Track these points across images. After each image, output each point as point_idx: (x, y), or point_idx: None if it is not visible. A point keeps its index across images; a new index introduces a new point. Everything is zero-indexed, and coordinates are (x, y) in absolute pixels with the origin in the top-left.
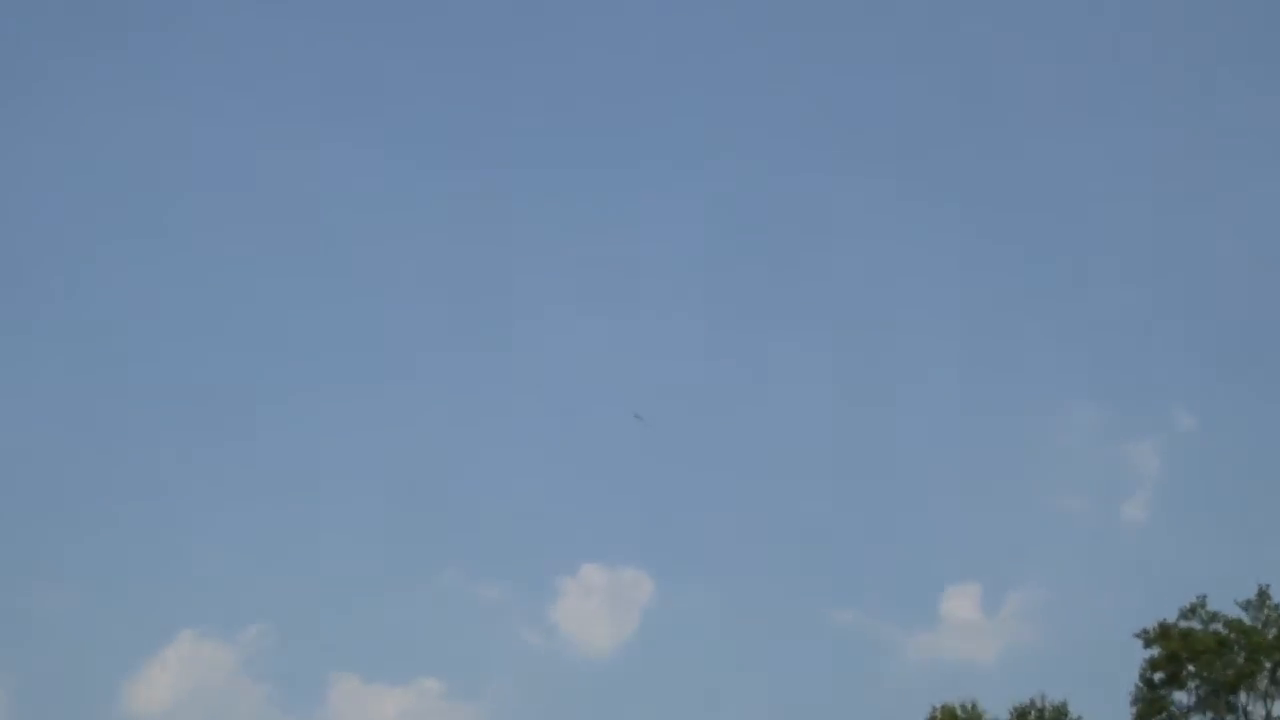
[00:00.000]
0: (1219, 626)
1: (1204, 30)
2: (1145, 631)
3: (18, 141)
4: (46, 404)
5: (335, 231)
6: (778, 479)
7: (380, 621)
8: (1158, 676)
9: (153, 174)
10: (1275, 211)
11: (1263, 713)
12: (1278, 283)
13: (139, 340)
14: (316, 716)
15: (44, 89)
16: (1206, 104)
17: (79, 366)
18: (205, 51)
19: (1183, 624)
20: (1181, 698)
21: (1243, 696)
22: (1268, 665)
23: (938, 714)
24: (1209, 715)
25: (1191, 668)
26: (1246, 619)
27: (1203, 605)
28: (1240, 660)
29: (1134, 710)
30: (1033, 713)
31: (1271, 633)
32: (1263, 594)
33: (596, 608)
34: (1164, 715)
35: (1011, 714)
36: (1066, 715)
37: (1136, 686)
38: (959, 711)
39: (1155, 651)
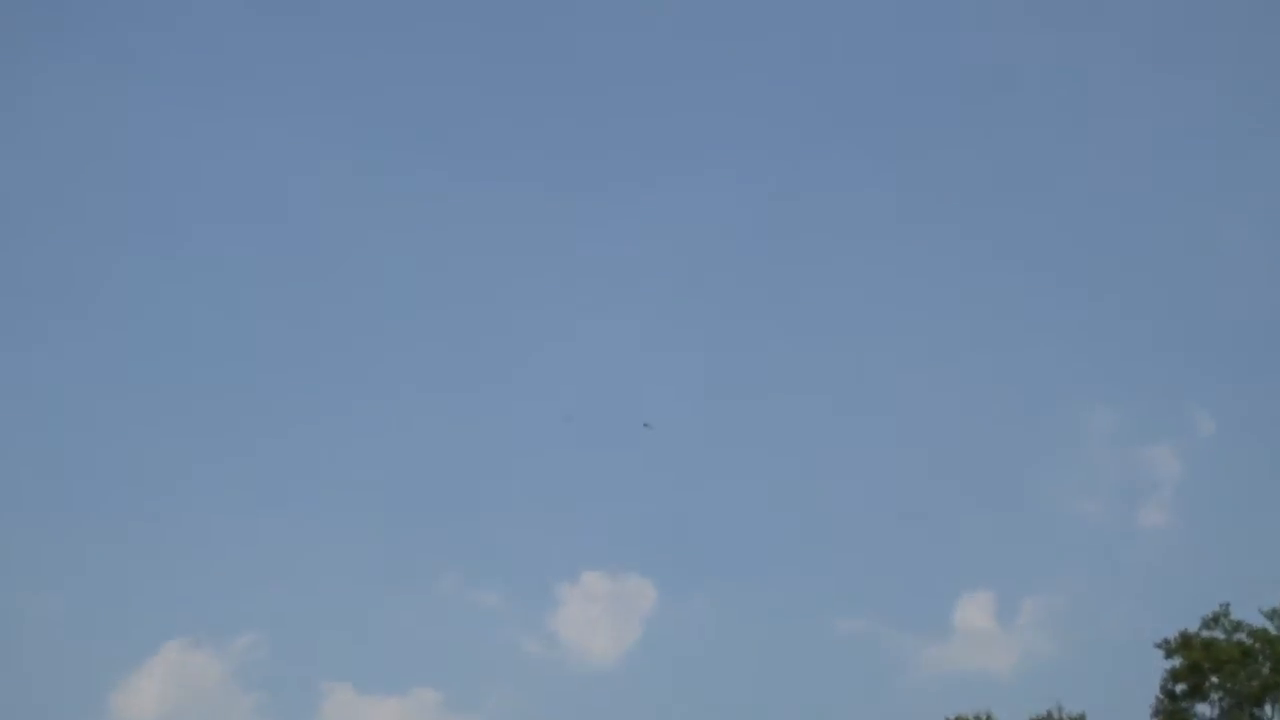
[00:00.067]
0: (1242, 636)
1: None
2: (1166, 641)
3: None
4: (36, 408)
5: (333, 233)
6: (784, 484)
7: (375, 629)
8: (1179, 688)
9: (150, 171)
10: None
11: None
12: None
13: (131, 345)
14: None
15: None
16: (1218, 98)
17: (70, 370)
18: (203, 48)
19: (1205, 633)
20: (1204, 710)
21: (1267, 709)
22: None
23: None
24: None
25: (1214, 679)
26: (1271, 628)
27: (1225, 614)
28: (1265, 671)
29: None
30: None
31: None
32: None
33: (598, 616)
34: None
35: None
36: None
37: (1157, 698)
38: None
39: (1176, 662)
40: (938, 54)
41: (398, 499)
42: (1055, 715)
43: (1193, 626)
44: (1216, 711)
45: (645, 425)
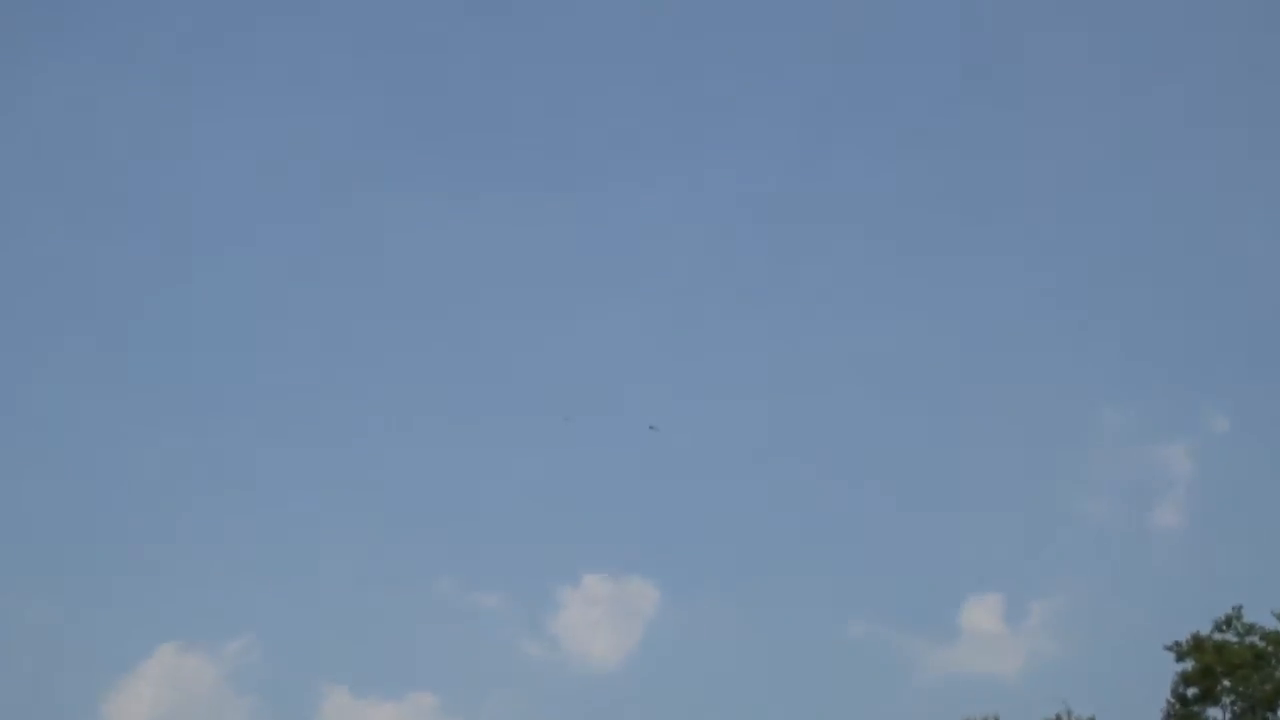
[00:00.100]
0: (1256, 639)
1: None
2: (1177, 644)
3: None
4: (28, 409)
5: (332, 232)
6: (789, 484)
7: (372, 632)
8: (1191, 692)
9: (149, 170)
10: None
11: None
12: None
13: (125, 345)
14: None
15: None
16: (1231, 91)
17: (63, 370)
18: (202, 47)
19: (1217, 636)
20: (1216, 714)
21: None
22: None
23: None
24: None
25: (1227, 682)
26: None
27: (1238, 616)
28: (1278, 675)
29: None
30: None
31: None
32: None
33: (600, 618)
34: None
35: None
36: None
37: (1168, 702)
38: None
39: (1188, 665)
40: (947, 53)
41: (395, 499)
42: (1064, 719)
43: (1205, 629)
44: (1228, 716)
45: (651, 428)
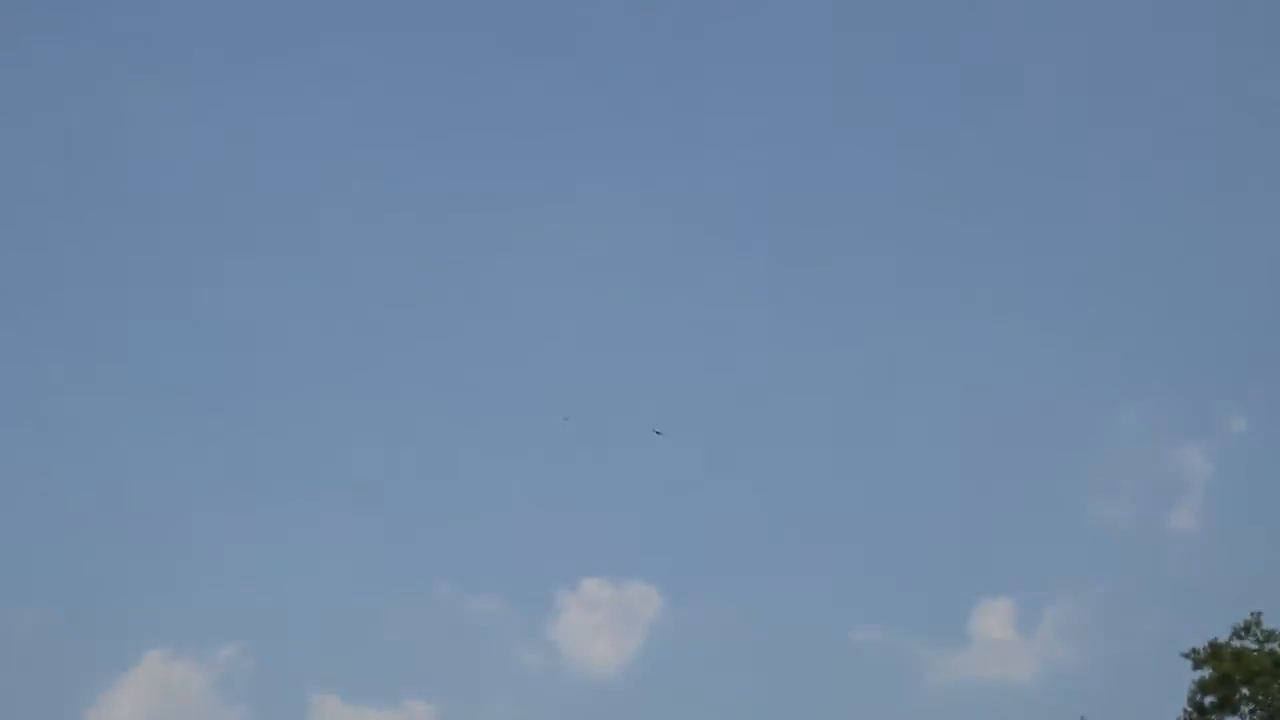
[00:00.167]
0: (1275, 646)
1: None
2: (1194, 651)
3: None
4: (15, 410)
5: (332, 231)
6: (795, 487)
7: (365, 638)
8: (1208, 700)
9: (147, 168)
10: None
11: None
12: None
13: (109, 341)
14: None
15: None
16: (1232, 91)
17: (52, 371)
18: (201, 43)
19: (1236, 643)
20: None
21: None
22: None
23: None
24: None
25: (1245, 691)
26: None
27: (1258, 622)
28: None
29: None
30: None
31: None
32: None
33: (600, 624)
34: None
35: None
36: None
37: (1185, 711)
38: None
39: (1205, 673)
40: (954, 53)
41: (391, 501)
42: None
43: (1223, 636)
44: None
45: (657, 432)
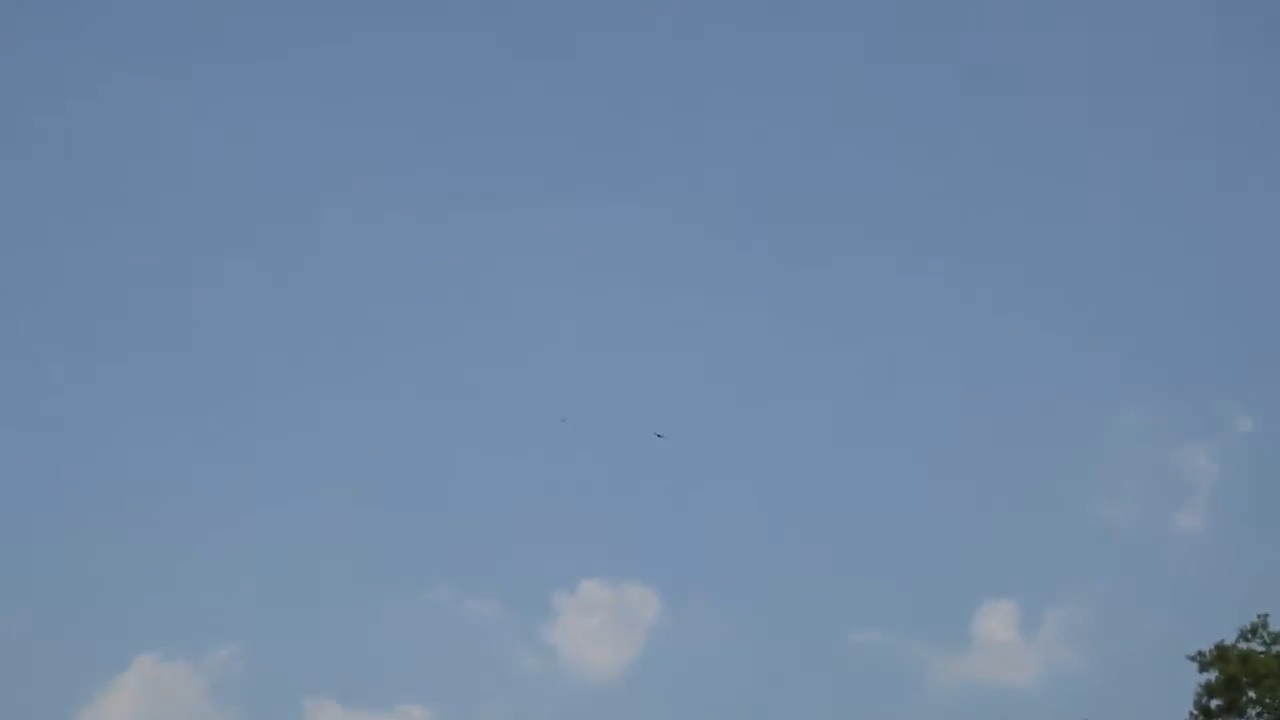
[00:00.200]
0: None
1: None
2: (1200, 654)
3: None
4: (11, 409)
5: (331, 231)
6: (795, 487)
7: (361, 641)
8: (1214, 703)
9: (146, 166)
10: None
11: None
12: None
13: (101, 340)
14: None
15: None
16: (1244, 83)
17: (42, 371)
18: (200, 40)
19: (1242, 645)
20: None
21: None
22: None
23: None
24: None
25: (1252, 694)
26: None
27: (1264, 625)
28: None
29: None
30: None
31: None
32: None
33: (598, 627)
34: None
35: None
36: None
37: (1191, 715)
38: None
39: (1211, 676)
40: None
41: (387, 502)
42: None
43: (1229, 638)
44: None
45: (658, 435)
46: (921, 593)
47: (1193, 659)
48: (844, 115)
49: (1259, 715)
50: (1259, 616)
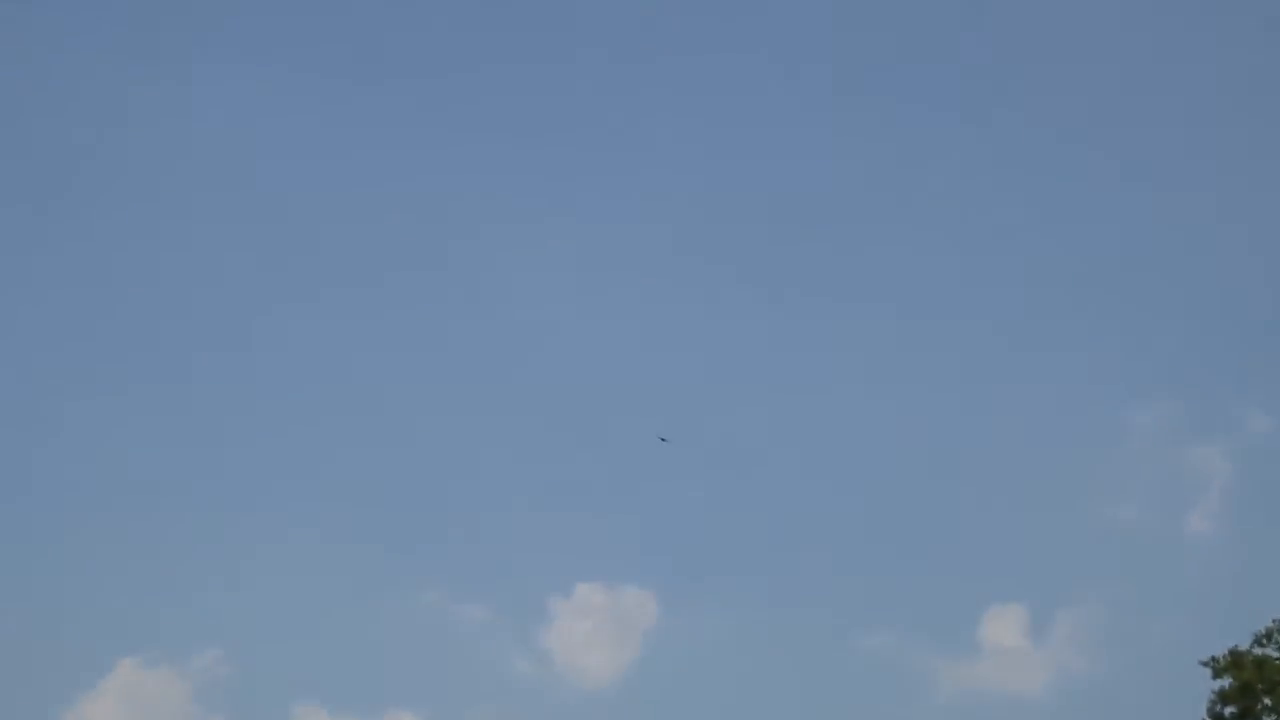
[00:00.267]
0: None
1: None
2: (1214, 659)
3: None
4: (11, 409)
5: (330, 230)
6: (797, 488)
7: (350, 645)
8: (1228, 710)
9: (145, 165)
10: None
11: None
12: None
13: (93, 339)
14: None
15: None
16: (1244, 83)
17: (32, 371)
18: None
19: (1257, 650)
20: None
21: None
22: None
23: None
24: None
25: (1267, 701)
26: None
27: (1279, 629)
28: None
29: None
30: None
31: None
32: None
33: (593, 631)
34: None
35: None
36: None
37: None
38: None
39: (1225, 682)
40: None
41: (378, 504)
42: None
43: (1244, 643)
44: None
45: (662, 439)
46: (926, 597)
47: (1206, 665)
48: (844, 115)
49: None
50: (1274, 621)
